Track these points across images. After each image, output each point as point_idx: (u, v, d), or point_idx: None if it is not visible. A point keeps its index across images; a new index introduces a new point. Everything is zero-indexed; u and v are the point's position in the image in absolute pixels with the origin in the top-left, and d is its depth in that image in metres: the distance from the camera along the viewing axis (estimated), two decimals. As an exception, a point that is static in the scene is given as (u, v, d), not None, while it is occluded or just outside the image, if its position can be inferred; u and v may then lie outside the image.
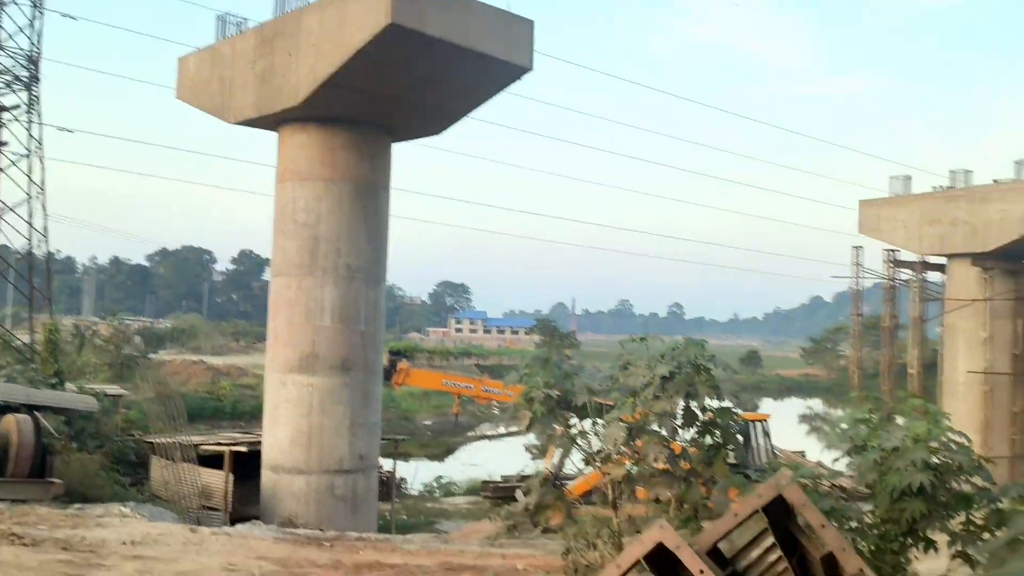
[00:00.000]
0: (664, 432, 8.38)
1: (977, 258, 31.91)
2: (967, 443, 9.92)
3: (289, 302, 20.01)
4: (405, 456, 25.49)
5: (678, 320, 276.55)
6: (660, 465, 8.69)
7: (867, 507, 8.32)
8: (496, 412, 71.24)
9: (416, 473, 32.43)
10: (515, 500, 26.00)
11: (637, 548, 4.85)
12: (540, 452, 58.15)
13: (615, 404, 9.19)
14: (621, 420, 8.49)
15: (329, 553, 11.94)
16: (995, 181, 32.75)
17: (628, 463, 9.44)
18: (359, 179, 20.05)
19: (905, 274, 36.16)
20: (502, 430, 67.25)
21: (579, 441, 9.38)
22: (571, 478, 25.68)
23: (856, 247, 36.39)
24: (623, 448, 8.49)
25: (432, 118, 20.44)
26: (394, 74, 18.04)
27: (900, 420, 11.75)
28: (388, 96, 18.81)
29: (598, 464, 8.97)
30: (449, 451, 52.11)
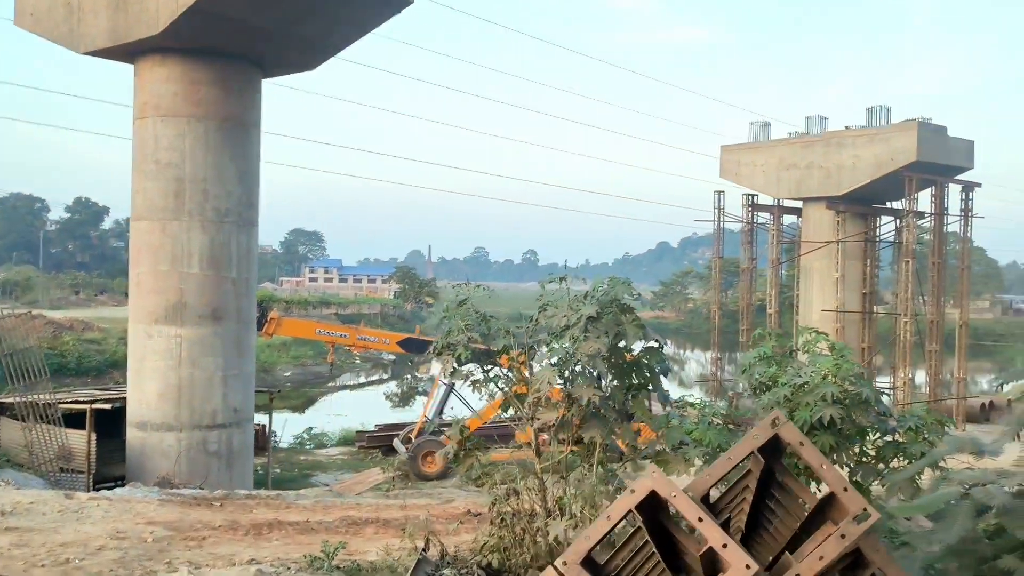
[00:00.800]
0: (596, 374, 8.14)
1: (831, 201, 33.33)
2: (867, 377, 10.16)
3: (153, 248, 18.62)
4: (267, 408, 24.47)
5: (532, 266, 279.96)
6: (555, 405, 8.46)
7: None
8: (358, 362, 70.44)
9: (284, 425, 31.41)
10: (392, 449, 25.64)
11: (628, 498, 4.51)
12: (402, 400, 57.68)
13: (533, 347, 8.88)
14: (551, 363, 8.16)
15: (222, 514, 11.20)
16: (847, 127, 34.16)
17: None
18: (227, 116, 18.72)
19: (763, 217, 37.40)
20: (363, 379, 66.49)
21: (500, 385, 9.05)
22: (449, 425, 25.46)
23: (718, 191, 37.29)
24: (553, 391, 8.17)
25: (306, 52, 19.26)
26: (267, 2, 16.83)
27: (802, 356, 11.97)
28: (260, 27, 17.53)
29: (526, 410, 8.63)
30: (310, 402, 51.07)
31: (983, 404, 35.26)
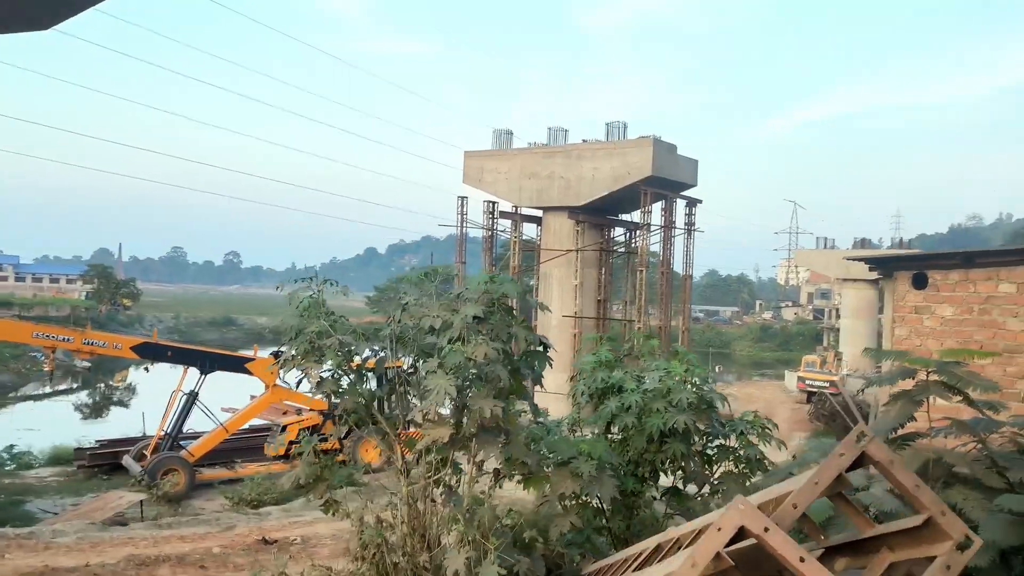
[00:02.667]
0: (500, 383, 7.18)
1: (572, 211, 34.29)
2: (711, 382, 10.04)
3: None
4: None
5: (235, 269, 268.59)
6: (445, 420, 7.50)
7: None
8: (45, 369, 62.94)
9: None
10: (122, 467, 22.71)
11: (715, 538, 3.74)
12: (95, 412, 52.25)
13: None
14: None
15: (-27, 562, 8.93)
16: (584, 141, 35.37)
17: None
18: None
19: (503, 224, 37.82)
20: (48, 389, 59.57)
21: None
22: (192, 438, 23.06)
23: (462, 197, 37.26)
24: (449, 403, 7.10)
25: (41, 6, 16.38)
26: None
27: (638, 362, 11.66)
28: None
29: (414, 424, 7.50)
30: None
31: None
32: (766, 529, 3.70)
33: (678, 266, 36.42)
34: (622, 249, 37.29)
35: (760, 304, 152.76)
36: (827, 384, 48.72)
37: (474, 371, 7.11)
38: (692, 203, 35.36)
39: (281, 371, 7.61)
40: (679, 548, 5.54)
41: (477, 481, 7.72)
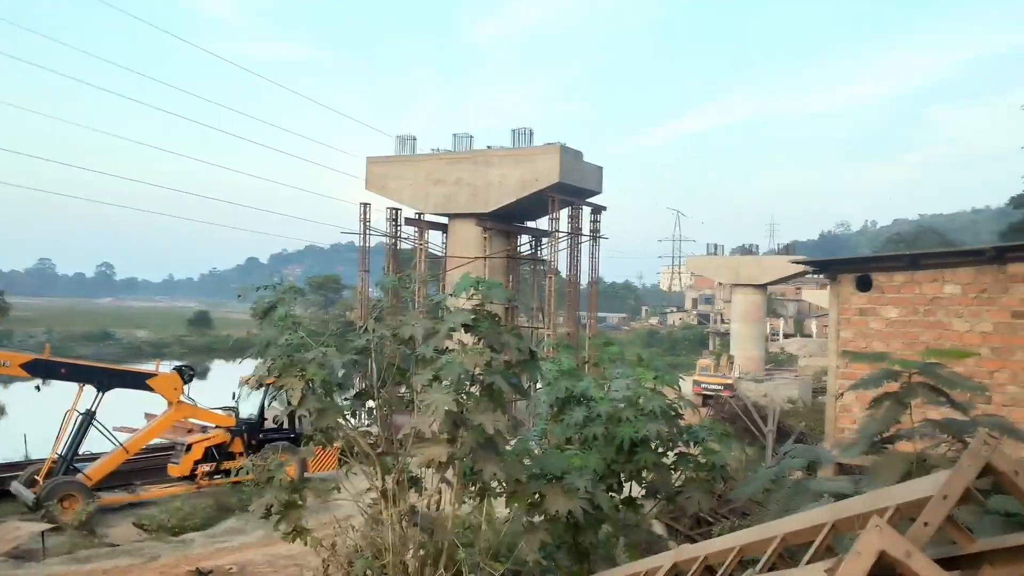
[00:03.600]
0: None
1: (479, 218, 33.86)
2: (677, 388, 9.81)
3: None
4: None
5: (108, 281, 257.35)
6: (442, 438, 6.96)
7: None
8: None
9: None
10: (9, 495, 20.98)
11: (857, 564, 3.34)
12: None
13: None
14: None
15: None
16: (488, 147, 35.01)
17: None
18: None
19: (408, 232, 37.09)
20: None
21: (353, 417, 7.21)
22: (89, 459, 21.52)
23: (364, 203, 36.32)
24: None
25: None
26: None
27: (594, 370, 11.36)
28: None
29: (412, 446, 6.88)
30: None
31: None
32: (908, 553, 3.34)
33: (581, 273, 36.41)
34: (529, 256, 37.03)
35: (646, 310, 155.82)
36: (722, 387, 49.80)
37: (472, 383, 6.60)
38: (597, 210, 35.46)
39: (251, 388, 6.92)
40: (705, 566, 5.16)
41: (465, 502, 7.22)
